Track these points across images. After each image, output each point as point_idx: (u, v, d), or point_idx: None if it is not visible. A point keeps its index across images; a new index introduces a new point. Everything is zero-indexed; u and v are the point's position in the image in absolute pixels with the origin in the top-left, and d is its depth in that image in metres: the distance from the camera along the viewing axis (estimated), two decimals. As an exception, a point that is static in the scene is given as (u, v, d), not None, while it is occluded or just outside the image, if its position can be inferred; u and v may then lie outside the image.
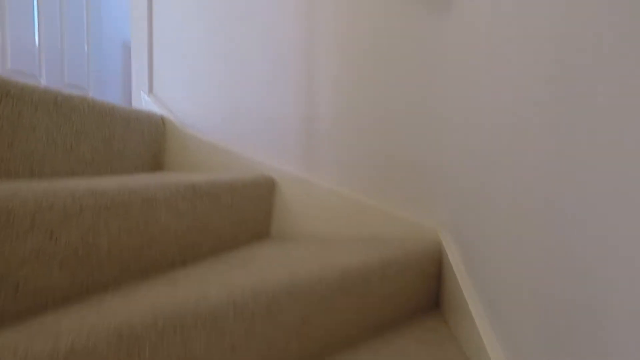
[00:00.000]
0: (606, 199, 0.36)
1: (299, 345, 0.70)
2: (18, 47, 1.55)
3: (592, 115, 0.38)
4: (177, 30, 1.16)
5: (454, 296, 0.90)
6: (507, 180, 0.60)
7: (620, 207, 0.34)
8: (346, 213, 1.09)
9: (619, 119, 0.35)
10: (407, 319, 0.94)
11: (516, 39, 0.59)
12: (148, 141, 1.06)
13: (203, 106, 1.16)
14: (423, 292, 0.97)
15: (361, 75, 1.08)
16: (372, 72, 1.08)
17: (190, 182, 0.80)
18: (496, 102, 0.66)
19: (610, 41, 0.37)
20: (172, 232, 0.75)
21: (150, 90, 1.18)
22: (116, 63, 2.14)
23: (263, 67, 1.13)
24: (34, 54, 1.61)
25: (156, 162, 1.12)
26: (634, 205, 0.32)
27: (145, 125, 1.05)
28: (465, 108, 0.87)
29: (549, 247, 0.47)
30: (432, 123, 1.06)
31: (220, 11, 1.14)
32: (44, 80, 1.65)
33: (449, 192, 1.02)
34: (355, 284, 0.80)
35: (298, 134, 1.12)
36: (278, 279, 0.70)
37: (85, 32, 1.89)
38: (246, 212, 0.99)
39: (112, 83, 2.12)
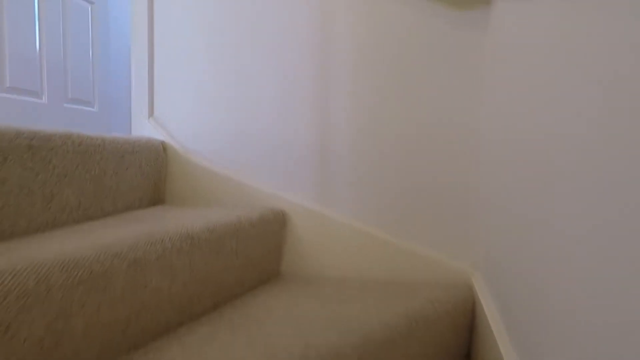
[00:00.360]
0: None
1: None
2: (18, 62, 1.47)
3: None
4: (179, 51, 1.06)
5: (488, 351, 0.78)
6: (565, 213, 0.47)
7: None
8: (365, 251, 0.97)
9: None
10: (436, 378, 0.82)
11: (570, 53, 0.46)
12: (146, 172, 0.97)
13: (207, 132, 1.06)
14: (452, 346, 0.85)
15: (382, 98, 0.96)
16: (395, 95, 0.96)
17: (187, 232, 0.70)
18: (548, 123, 0.54)
19: None
20: (165, 294, 0.65)
21: (151, 114, 1.08)
22: (123, 71, 2.06)
23: (272, 88, 1.02)
24: (35, 68, 1.54)
25: (156, 192, 1.02)
26: None
27: (144, 155, 0.95)
28: (504, 130, 0.75)
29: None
30: (463, 149, 0.93)
31: (227, 30, 1.03)
32: (46, 97, 1.57)
33: (483, 228, 0.89)
34: (378, 351, 0.69)
35: (311, 162, 1.01)
36: (288, 355, 0.59)
37: (89, 41, 1.81)
38: (253, 252, 0.89)
39: (120, 93, 2.04)
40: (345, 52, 0.98)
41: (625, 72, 0.38)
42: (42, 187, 0.66)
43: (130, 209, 0.92)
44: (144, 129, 1.08)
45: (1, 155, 0.58)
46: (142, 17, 1.06)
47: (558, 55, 0.55)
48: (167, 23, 1.07)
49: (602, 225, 0.41)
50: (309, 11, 0.99)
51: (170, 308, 0.66)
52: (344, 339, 0.65)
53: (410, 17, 0.94)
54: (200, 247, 0.72)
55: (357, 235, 0.98)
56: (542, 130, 0.58)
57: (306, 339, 0.64)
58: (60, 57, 1.65)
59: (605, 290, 0.40)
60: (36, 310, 0.46)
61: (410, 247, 0.96)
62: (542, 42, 0.60)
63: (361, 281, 0.95)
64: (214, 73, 1.04)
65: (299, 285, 0.91)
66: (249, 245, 0.86)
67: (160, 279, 0.64)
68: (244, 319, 0.72)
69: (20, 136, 0.61)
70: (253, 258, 0.89)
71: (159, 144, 1.03)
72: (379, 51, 0.96)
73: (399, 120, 0.96)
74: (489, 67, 0.88)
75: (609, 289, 0.39)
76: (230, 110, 1.04)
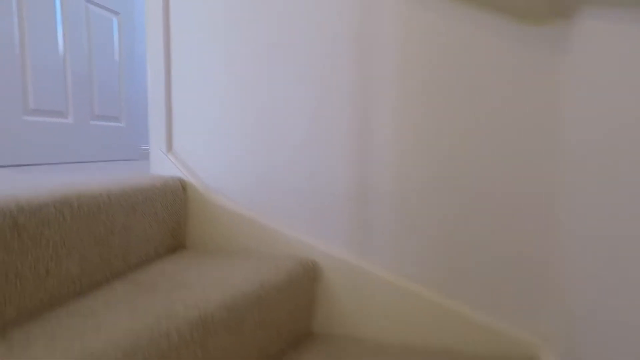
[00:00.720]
0: None
1: None
2: (42, 83, 1.42)
3: None
4: (199, 78, 0.95)
5: None
6: None
7: None
8: (412, 314, 0.84)
9: None
10: None
11: None
12: (163, 218, 0.87)
13: (229, 168, 0.95)
14: None
15: (433, 128, 0.81)
16: (452, 124, 0.80)
17: (199, 316, 0.59)
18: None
19: None
20: (173, 395, 0.55)
21: (170, 147, 0.98)
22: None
23: (301, 117, 0.89)
24: (60, 88, 1.48)
25: (175, 237, 0.93)
26: None
27: (159, 201, 0.85)
28: (593, 166, 0.59)
29: None
30: (536, 190, 0.77)
31: (248, 54, 0.91)
32: (72, 116, 1.52)
33: (559, 288, 0.73)
34: None
35: (346, 206, 0.87)
36: None
37: (115, 53, 1.75)
38: (280, 319, 0.77)
39: (147, 104, 1.98)
40: (388, 74, 0.83)
41: None
42: (34, 266, 0.57)
43: (144, 262, 0.82)
44: (162, 164, 0.98)
45: (-24, 245, 0.49)
46: (158, 47, 0.95)
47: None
48: (184, 48, 0.96)
49: None
50: (344, 29, 0.84)
51: (179, 409, 0.56)
52: None
53: (467, 33, 0.78)
54: (216, 331, 0.61)
55: (398, 293, 0.84)
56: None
57: None
58: (86, 74, 1.59)
59: None
60: None
61: (462, 311, 0.81)
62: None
63: (403, 349, 0.82)
64: (233, 103, 0.93)
65: (334, 354, 0.79)
66: (274, 311, 0.75)
67: (166, 382, 0.53)
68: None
69: (2, 215, 0.52)
70: (279, 324, 0.77)
71: (177, 184, 0.93)
72: (428, 73, 0.81)
73: (455, 161, 0.81)
74: (570, 94, 0.71)
75: None
76: (253, 144, 0.92)
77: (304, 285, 0.84)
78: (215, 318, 0.61)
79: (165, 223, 0.88)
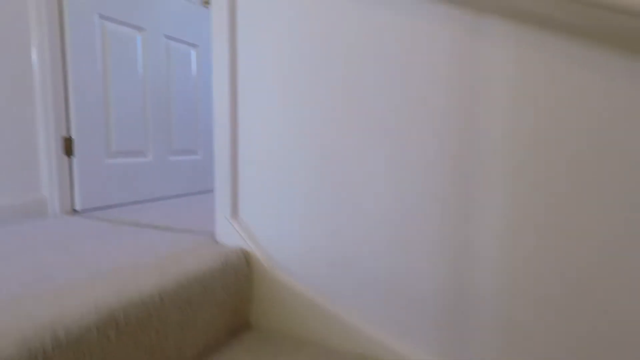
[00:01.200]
0: None
1: None
2: (123, 124, 1.45)
3: None
4: (266, 138, 0.86)
5: None
6: None
7: None
8: None
9: None
10: None
11: None
12: (223, 301, 0.79)
13: (297, 243, 0.84)
14: None
15: (561, 218, 0.62)
16: (584, 212, 0.61)
17: None
18: None
19: None
20: None
21: (235, 214, 0.90)
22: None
23: (384, 197, 0.75)
24: (139, 127, 1.51)
25: (238, 316, 0.84)
26: None
27: (220, 285, 0.77)
28: None
29: None
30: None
31: (322, 118, 0.79)
32: (151, 154, 1.55)
33: None
34: None
35: (436, 305, 0.71)
36: None
37: (193, 86, 1.75)
38: None
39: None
40: (496, 134, 0.65)
41: None
42: (73, 400, 0.51)
43: (202, 354, 0.75)
44: (227, 231, 0.91)
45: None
46: (224, 110, 0.88)
47: None
48: (251, 114, 0.87)
49: None
50: (443, 99, 0.69)
51: None
52: None
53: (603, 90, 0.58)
54: None
55: (501, 420, 0.66)
56: None
57: None
58: (165, 110, 1.61)
59: None
60: None
61: None
62: None
63: None
64: (307, 165, 0.82)
65: None
66: None
67: None
68: None
69: (34, 356, 0.46)
70: None
71: (240, 259, 0.84)
72: (557, 142, 0.62)
73: (585, 260, 0.61)
74: None
75: None
76: (325, 219, 0.80)
77: (379, 400, 0.70)
78: None
79: (226, 305, 0.80)
